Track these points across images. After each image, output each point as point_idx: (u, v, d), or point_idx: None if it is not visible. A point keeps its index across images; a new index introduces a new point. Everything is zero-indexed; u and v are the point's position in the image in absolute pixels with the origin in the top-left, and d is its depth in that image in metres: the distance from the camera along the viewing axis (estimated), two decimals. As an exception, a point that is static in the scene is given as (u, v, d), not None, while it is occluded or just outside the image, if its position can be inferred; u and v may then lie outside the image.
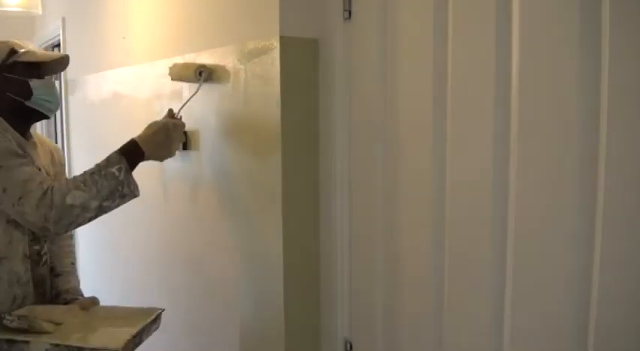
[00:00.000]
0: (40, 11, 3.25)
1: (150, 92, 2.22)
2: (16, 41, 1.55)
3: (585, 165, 0.95)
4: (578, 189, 0.96)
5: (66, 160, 3.56)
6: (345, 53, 1.44)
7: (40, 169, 1.50)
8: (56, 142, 4.06)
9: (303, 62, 1.48)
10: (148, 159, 1.51)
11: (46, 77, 1.56)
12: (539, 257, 1.02)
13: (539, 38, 1.01)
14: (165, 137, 1.53)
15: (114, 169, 1.41)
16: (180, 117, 1.63)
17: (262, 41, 1.49)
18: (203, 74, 1.69)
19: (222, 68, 1.68)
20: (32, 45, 1.62)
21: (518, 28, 1.03)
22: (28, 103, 1.52)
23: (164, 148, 1.53)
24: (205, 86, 1.69)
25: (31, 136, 1.60)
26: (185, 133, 1.73)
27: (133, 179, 1.46)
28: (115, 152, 1.46)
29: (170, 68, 1.79)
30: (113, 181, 1.41)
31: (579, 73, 0.95)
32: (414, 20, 1.26)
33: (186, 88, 1.88)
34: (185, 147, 1.91)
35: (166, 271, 2.20)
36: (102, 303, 1.60)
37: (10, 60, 1.50)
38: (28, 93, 1.51)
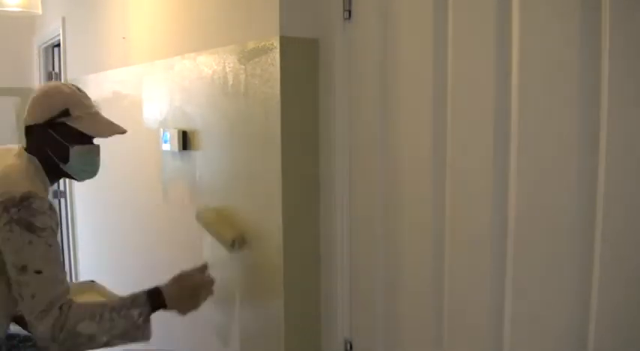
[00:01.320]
0: (40, 11, 3.25)
1: (150, 92, 2.22)
2: (77, 93, 1.45)
3: (585, 166, 0.94)
4: (579, 190, 0.96)
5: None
6: (345, 53, 1.43)
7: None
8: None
9: (303, 62, 1.48)
10: (168, 310, 1.44)
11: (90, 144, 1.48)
12: (538, 262, 1.02)
13: (540, 39, 1.01)
14: (191, 296, 1.47)
15: (135, 312, 1.35)
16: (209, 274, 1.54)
17: (262, 41, 1.49)
18: (236, 244, 1.62)
19: (260, 233, 1.58)
20: (90, 102, 1.49)
21: (518, 28, 1.03)
22: (62, 166, 1.45)
23: (187, 305, 1.46)
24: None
25: None
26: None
27: (150, 326, 1.38)
28: (143, 295, 1.39)
29: (199, 214, 1.76)
30: (129, 324, 1.34)
31: (579, 74, 0.95)
32: (414, 20, 1.26)
33: (187, 88, 1.88)
34: (185, 147, 1.92)
35: (165, 271, 2.20)
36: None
37: (60, 120, 1.41)
38: (66, 159, 1.44)
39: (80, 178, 1.53)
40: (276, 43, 1.44)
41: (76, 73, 3.22)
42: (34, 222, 1.29)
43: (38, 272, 1.27)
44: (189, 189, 1.97)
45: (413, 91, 1.27)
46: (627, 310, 0.93)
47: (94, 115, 1.48)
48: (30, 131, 1.45)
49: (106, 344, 1.34)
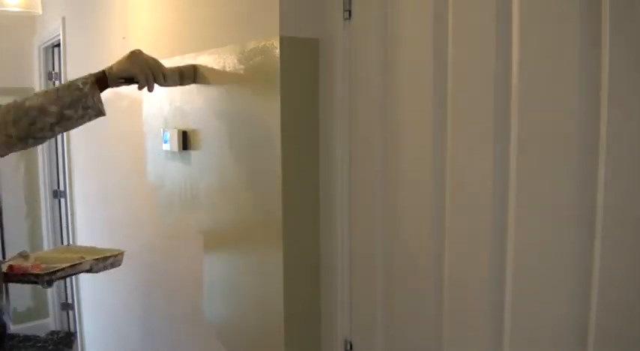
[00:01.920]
0: (40, 11, 3.25)
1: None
2: None
3: (585, 167, 0.94)
4: (578, 192, 0.96)
5: (66, 160, 3.56)
6: (346, 53, 1.43)
7: None
8: (56, 142, 4.06)
9: (303, 62, 1.48)
10: (116, 73, 1.54)
11: None
12: (538, 262, 1.02)
13: (540, 36, 1.01)
14: (133, 55, 1.59)
15: (79, 82, 1.45)
16: None
17: (262, 41, 1.49)
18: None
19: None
20: None
21: (519, 26, 1.03)
22: None
23: (133, 62, 1.58)
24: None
25: None
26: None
27: (99, 94, 1.47)
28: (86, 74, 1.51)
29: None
30: (76, 92, 1.43)
31: (579, 73, 0.95)
32: (415, 20, 1.26)
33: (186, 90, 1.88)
34: (185, 147, 1.92)
35: (166, 271, 2.20)
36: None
37: None
38: None
39: None
40: (276, 43, 1.44)
41: (76, 73, 3.22)
42: None
43: None
44: (189, 189, 1.97)
45: (413, 91, 1.27)
46: (628, 303, 0.93)
47: None
48: None
49: (61, 116, 1.42)
